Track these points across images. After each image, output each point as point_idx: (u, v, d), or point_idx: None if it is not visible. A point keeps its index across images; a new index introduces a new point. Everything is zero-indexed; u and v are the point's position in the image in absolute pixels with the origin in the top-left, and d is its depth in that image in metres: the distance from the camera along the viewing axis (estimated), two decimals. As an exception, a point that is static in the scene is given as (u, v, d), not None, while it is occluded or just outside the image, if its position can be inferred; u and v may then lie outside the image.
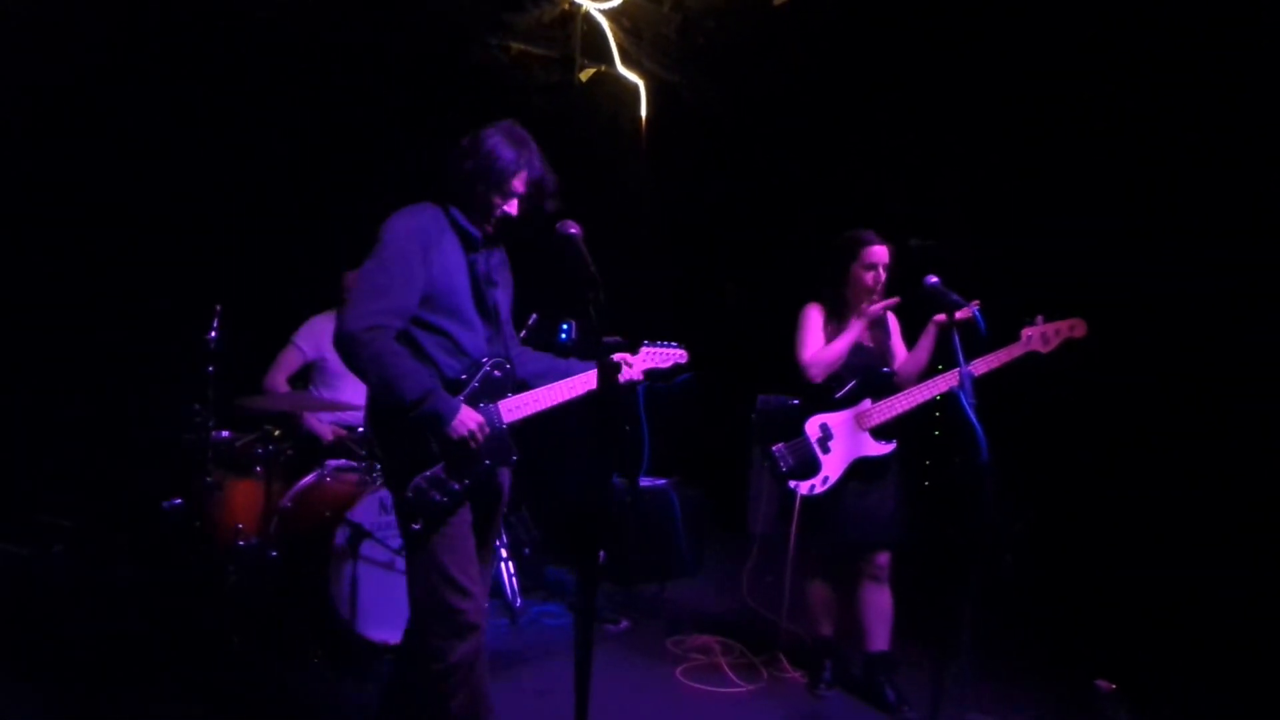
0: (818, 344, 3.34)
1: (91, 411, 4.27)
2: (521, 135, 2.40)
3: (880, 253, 3.30)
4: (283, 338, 4.14)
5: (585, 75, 5.36)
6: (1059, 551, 4.46)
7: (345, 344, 2.22)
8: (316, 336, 4.18)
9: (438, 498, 2.27)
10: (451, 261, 2.35)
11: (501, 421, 2.39)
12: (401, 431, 2.27)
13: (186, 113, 4.52)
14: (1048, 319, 3.10)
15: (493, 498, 2.51)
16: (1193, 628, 3.84)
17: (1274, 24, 3.79)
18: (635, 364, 2.62)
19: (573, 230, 2.13)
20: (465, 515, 2.35)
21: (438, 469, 2.28)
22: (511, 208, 2.38)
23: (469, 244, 2.40)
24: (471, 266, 2.40)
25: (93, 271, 4.27)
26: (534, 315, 4.05)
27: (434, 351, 2.34)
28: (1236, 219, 4.19)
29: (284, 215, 4.71)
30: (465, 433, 2.25)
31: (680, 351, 2.71)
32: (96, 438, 4.23)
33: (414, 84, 5.14)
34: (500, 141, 2.35)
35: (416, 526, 2.28)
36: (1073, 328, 3.09)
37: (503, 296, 2.51)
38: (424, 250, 2.29)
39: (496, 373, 2.39)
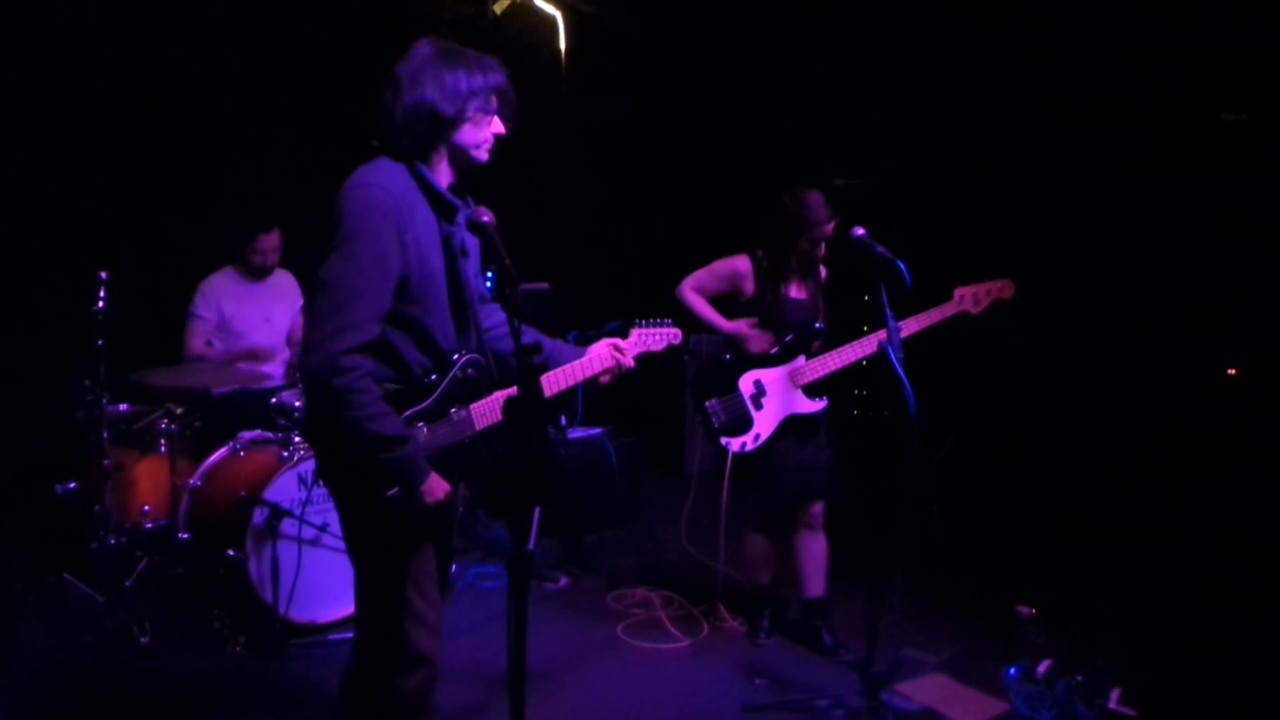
0: (701, 289, 3.40)
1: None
2: (456, 49, 2.00)
3: (829, 230, 3.22)
4: (177, 302, 3.85)
5: (500, 7, 5.04)
6: (978, 483, 4.60)
7: (306, 377, 1.92)
8: (212, 297, 3.94)
9: (399, 520, 2.00)
10: (426, 238, 1.98)
11: (474, 428, 2.09)
12: (350, 453, 1.96)
13: (61, 59, 4.06)
14: (977, 277, 3.07)
15: (449, 511, 2.21)
16: (1103, 553, 4.01)
17: None
18: (628, 349, 2.28)
19: (485, 219, 1.90)
20: (424, 532, 2.09)
21: (396, 490, 1.97)
22: (495, 129, 2.03)
23: (444, 211, 2.02)
24: (446, 241, 2.02)
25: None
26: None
27: (403, 348, 2.00)
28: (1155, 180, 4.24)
29: (169, 169, 4.32)
30: (431, 501, 1.97)
31: (675, 330, 2.42)
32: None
33: (315, 13, 4.72)
34: (447, 66, 1.95)
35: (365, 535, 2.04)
36: (1002, 289, 3.09)
37: (472, 267, 2.13)
38: (398, 231, 1.91)
39: (470, 371, 2.08)
